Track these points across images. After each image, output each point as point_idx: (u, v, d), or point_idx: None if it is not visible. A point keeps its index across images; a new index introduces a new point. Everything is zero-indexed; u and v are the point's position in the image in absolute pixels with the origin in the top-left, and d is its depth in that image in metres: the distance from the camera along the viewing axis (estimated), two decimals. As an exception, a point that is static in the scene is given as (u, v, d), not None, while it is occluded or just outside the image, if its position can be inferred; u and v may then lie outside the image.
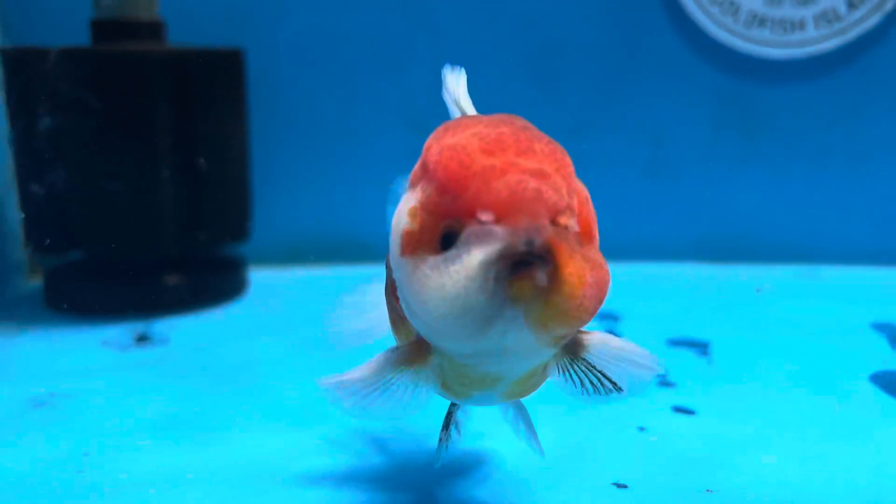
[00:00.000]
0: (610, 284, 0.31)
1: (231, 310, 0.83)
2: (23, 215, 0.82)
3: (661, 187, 0.98)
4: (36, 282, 0.91)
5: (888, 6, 0.91)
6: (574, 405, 0.57)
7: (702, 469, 0.48)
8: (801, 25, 0.93)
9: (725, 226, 0.98)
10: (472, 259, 0.29)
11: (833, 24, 0.93)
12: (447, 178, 0.30)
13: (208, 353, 0.70)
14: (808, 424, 0.55)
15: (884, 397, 0.59)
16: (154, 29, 0.81)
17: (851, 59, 0.94)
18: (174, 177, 0.79)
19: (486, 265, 0.29)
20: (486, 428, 0.53)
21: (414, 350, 0.35)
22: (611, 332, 0.39)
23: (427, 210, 0.31)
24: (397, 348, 0.36)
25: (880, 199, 0.97)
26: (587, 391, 0.36)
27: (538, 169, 0.30)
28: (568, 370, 0.36)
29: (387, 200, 0.37)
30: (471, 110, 0.39)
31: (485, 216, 0.29)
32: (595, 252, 0.32)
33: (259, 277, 0.92)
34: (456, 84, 0.39)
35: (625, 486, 0.46)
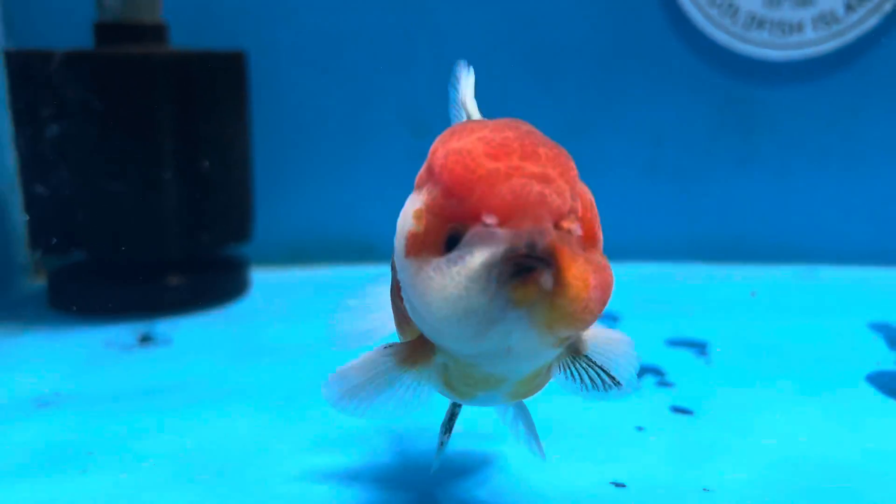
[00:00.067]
0: (613, 286, 0.32)
1: (233, 310, 0.84)
2: (27, 217, 0.83)
3: (660, 188, 0.99)
4: (39, 282, 0.91)
5: (886, 8, 0.92)
6: (573, 405, 0.58)
7: (699, 468, 0.49)
8: (800, 27, 0.94)
9: (724, 226, 0.99)
10: (475, 261, 0.29)
11: (831, 26, 0.93)
12: (452, 182, 0.31)
13: (210, 353, 0.70)
14: (805, 424, 0.55)
15: (881, 397, 0.60)
16: (157, 32, 0.82)
17: (850, 61, 0.94)
18: (177, 178, 0.80)
19: (489, 267, 0.29)
20: (486, 429, 0.54)
21: (416, 349, 0.36)
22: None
23: (432, 212, 0.32)
24: (394, 345, 0.37)
25: (878, 200, 0.97)
26: (587, 387, 0.37)
27: (542, 173, 0.30)
28: (569, 367, 0.36)
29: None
30: (475, 113, 0.39)
31: (489, 219, 0.30)
32: (599, 255, 0.32)
33: (261, 278, 0.92)
34: (464, 86, 0.39)
35: (623, 486, 0.47)
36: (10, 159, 0.85)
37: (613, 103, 0.97)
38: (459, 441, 0.46)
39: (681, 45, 0.96)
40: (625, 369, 0.37)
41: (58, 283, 0.85)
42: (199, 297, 0.83)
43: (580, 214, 0.31)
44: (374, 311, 0.46)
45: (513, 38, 0.96)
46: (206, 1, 0.93)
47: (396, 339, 0.41)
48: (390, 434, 0.54)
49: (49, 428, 0.55)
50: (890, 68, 0.94)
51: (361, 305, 0.47)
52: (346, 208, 0.99)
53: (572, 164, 0.32)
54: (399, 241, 0.33)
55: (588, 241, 0.32)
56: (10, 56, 0.81)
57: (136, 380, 0.64)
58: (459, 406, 0.44)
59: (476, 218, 0.30)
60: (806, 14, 0.93)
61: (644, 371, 0.64)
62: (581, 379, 0.37)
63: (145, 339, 0.73)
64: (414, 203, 0.33)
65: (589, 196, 0.33)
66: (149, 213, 0.79)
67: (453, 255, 0.30)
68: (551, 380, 0.38)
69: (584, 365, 0.36)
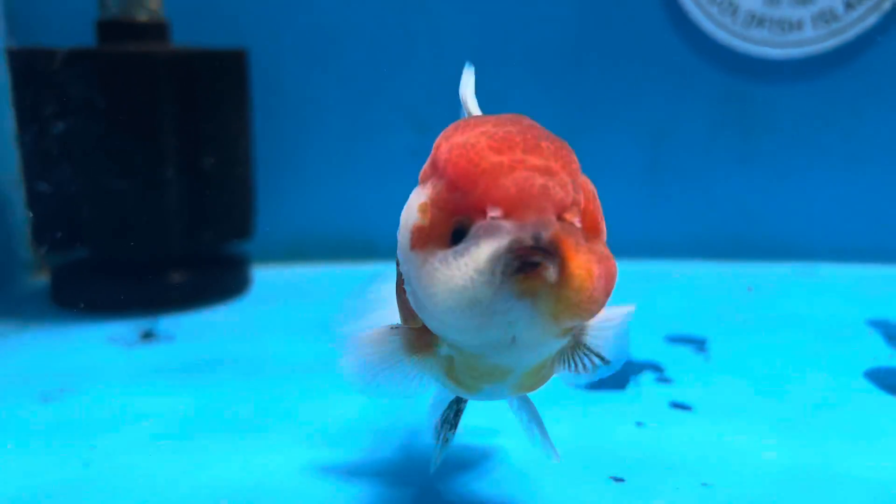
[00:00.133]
0: (617, 276, 0.32)
1: (235, 307, 0.84)
2: (30, 214, 0.83)
3: (659, 186, 0.99)
4: (42, 279, 0.92)
5: (885, 6, 0.92)
6: (573, 400, 0.58)
7: (698, 463, 0.49)
8: (799, 25, 0.94)
9: (723, 223, 0.99)
10: (481, 252, 0.30)
11: (831, 24, 0.93)
12: (457, 175, 0.31)
13: (213, 350, 0.71)
14: (804, 420, 0.55)
15: (879, 393, 0.60)
16: (159, 30, 0.82)
17: (849, 59, 0.95)
18: (179, 175, 0.80)
19: (494, 259, 0.29)
20: (486, 424, 0.54)
21: (420, 337, 0.36)
22: None
23: (437, 206, 0.32)
24: (400, 327, 0.37)
25: (877, 198, 0.97)
26: (579, 371, 0.37)
27: (545, 166, 0.31)
28: (568, 357, 0.37)
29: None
30: (476, 111, 0.40)
31: (493, 212, 0.30)
32: (602, 245, 0.33)
33: (263, 275, 0.93)
34: (465, 84, 0.40)
35: (622, 480, 0.47)
36: (14, 157, 0.86)
37: (614, 101, 0.97)
38: (458, 436, 0.46)
39: (681, 42, 0.96)
40: (616, 346, 0.37)
41: (61, 279, 0.85)
42: (201, 293, 0.84)
43: (583, 206, 0.32)
44: (377, 307, 0.46)
45: (513, 35, 0.96)
46: (207, -1, 0.93)
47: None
48: (391, 429, 0.55)
49: (53, 423, 0.56)
50: (889, 66, 0.95)
51: (364, 302, 0.47)
52: (347, 205, 1.00)
53: (574, 157, 0.33)
54: (403, 235, 0.33)
55: (591, 232, 0.33)
56: (13, 54, 0.81)
57: (138, 375, 0.65)
58: (465, 402, 0.44)
59: (481, 210, 0.30)
60: (805, 12, 0.93)
61: (643, 367, 0.65)
62: (575, 366, 0.37)
63: (148, 336, 0.74)
64: (419, 197, 0.33)
65: (591, 188, 0.34)
66: (151, 210, 0.80)
67: (460, 247, 0.31)
68: (554, 373, 0.38)
69: (581, 353, 0.37)
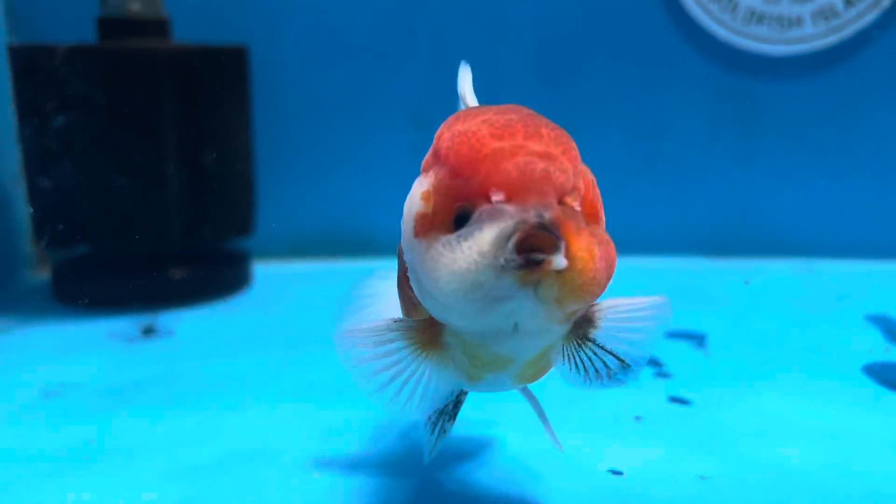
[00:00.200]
0: (617, 260, 0.32)
1: (235, 303, 0.84)
2: (31, 210, 0.83)
3: (659, 182, 0.99)
4: (43, 275, 0.92)
5: (885, 3, 0.92)
6: (572, 393, 0.59)
7: (696, 457, 0.49)
8: (799, 22, 0.94)
9: (722, 220, 1.00)
10: (484, 236, 0.30)
11: (830, 21, 0.94)
12: (459, 162, 0.32)
13: (213, 345, 0.71)
14: (802, 415, 0.56)
15: (878, 388, 0.60)
16: (160, 26, 0.83)
17: (848, 56, 0.95)
18: (180, 172, 0.80)
19: (498, 241, 0.30)
20: (487, 416, 0.55)
21: (425, 329, 0.36)
22: None
23: (440, 193, 0.32)
24: (404, 319, 0.37)
25: (876, 194, 0.98)
26: (591, 376, 0.37)
27: (545, 151, 0.31)
28: (574, 356, 0.36)
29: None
30: (475, 105, 0.40)
31: (496, 196, 0.30)
32: (602, 230, 0.33)
33: (263, 271, 0.93)
34: (463, 80, 0.40)
35: (620, 473, 0.47)
36: (15, 153, 0.86)
37: (613, 98, 0.98)
38: (455, 427, 0.46)
39: (680, 39, 0.96)
40: (639, 345, 0.36)
41: (62, 275, 0.85)
42: (202, 289, 0.84)
43: (583, 193, 0.32)
44: (376, 303, 0.46)
45: (513, 33, 0.96)
46: (208, -4, 0.93)
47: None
48: (390, 422, 0.55)
49: (54, 417, 0.56)
50: (888, 63, 0.95)
51: (363, 297, 0.47)
52: (347, 202, 1.00)
53: (573, 144, 0.33)
54: (407, 224, 0.34)
55: (590, 218, 0.33)
56: (14, 51, 0.81)
57: (140, 371, 0.65)
58: (465, 393, 0.44)
59: (483, 195, 0.31)
60: (805, 9, 0.94)
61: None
62: (586, 369, 0.36)
63: (148, 331, 0.74)
64: (421, 185, 0.33)
65: (590, 176, 0.34)
66: (151, 207, 0.80)
67: (463, 231, 0.31)
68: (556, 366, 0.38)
69: (590, 351, 0.36)
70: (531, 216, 0.30)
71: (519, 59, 0.96)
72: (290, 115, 0.97)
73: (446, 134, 0.33)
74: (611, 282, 0.32)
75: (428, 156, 0.35)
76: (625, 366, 0.37)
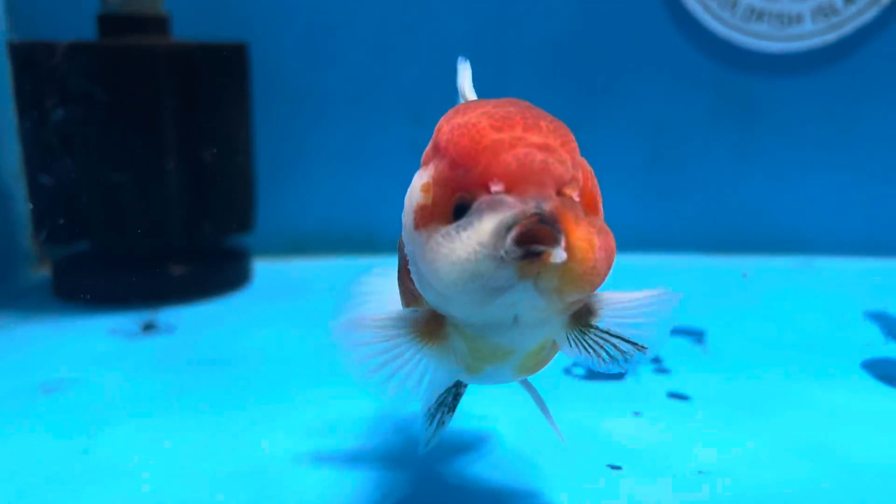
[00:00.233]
0: (616, 250, 0.32)
1: (235, 299, 0.84)
2: (31, 206, 0.83)
3: (658, 179, 1.00)
4: (42, 272, 0.92)
5: (885, 1, 0.92)
6: (572, 389, 0.59)
7: (695, 452, 0.50)
8: (799, 19, 0.94)
9: (722, 217, 1.00)
10: (484, 226, 0.30)
11: (830, 18, 0.94)
12: (459, 153, 0.32)
13: (213, 342, 0.71)
14: (800, 411, 0.56)
15: (876, 384, 0.60)
16: (159, 23, 0.83)
17: (848, 53, 0.95)
18: (180, 169, 0.80)
19: (498, 231, 0.30)
20: (485, 410, 0.55)
21: (428, 322, 0.36)
22: None
23: (440, 184, 0.33)
24: (406, 310, 0.37)
25: (875, 191, 0.98)
26: (605, 360, 0.37)
27: (544, 143, 0.31)
28: (580, 342, 0.36)
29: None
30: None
31: (495, 186, 0.31)
32: (601, 221, 0.33)
33: (263, 268, 0.93)
34: (462, 76, 0.40)
35: (619, 468, 0.48)
36: (15, 150, 0.86)
37: (613, 95, 0.98)
38: (453, 420, 0.46)
39: (680, 36, 0.96)
40: (650, 330, 0.36)
41: (62, 272, 0.86)
42: (202, 286, 0.84)
43: (581, 184, 0.32)
44: (375, 300, 0.46)
45: (513, 29, 0.96)
46: (208, -7, 0.94)
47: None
48: (389, 416, 0.55)
49: (54, 413, 0.56)
50: (888, 61, 0.95)
51: (363, 294, 0.47)
52: (347, 199, 1.00)
53: (572, 136, 0.33)
54: (407, 216, 0.34)
55: (589, 208, 0.33)
56: (14, 47, 0.81)
57: (140, 368, 0.65)
58: (464, 386, 0.44)
59: (483, 186, 0.31)
60: (805, 6, 0.94)
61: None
62: (597, 353, 0.36)
63: (148, 328, 0.74)
64: (421, 178, 0.34)
65: (589, 168, 0.34)
66: (151, 203, 0.80)
67: (462, 221, 0.31)
68: (556, 355, 0.38)
69: (596, 337, 0.36)
70: (531, 207, 0.30)
71: (519, 56, 0.97)
72: (290, 112, 0.97)
73: (446, 126, 0.33)
74: (611, 272, 0.32)
75: (428, 149, 0.35)
76: (640, 348, 0.37)
